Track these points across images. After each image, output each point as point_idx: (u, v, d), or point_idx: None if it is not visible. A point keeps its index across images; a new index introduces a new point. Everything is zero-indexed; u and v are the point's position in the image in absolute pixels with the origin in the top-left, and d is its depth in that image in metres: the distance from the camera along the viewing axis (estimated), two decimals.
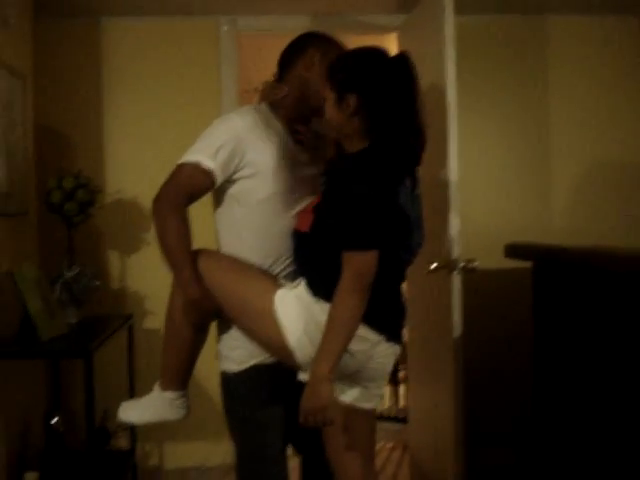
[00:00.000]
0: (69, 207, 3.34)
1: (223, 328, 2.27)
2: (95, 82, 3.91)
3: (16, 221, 3.33)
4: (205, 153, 2.12)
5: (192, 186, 2.13)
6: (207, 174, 2.11)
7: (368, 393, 2.12)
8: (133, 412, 2.34)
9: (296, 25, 3.83)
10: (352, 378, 2.08)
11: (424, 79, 3.18)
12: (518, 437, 3.80)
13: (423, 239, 2.15)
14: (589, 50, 4.19)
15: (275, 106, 2.30)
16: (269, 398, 2.21)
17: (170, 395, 2.29)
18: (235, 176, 2.17)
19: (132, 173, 3.90)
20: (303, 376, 2.04)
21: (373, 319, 1.98)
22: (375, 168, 1.96)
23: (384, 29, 4.07)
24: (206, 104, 3.94)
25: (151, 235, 3.74)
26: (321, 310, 1.96)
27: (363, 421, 2.17)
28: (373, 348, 2.01)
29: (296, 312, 2.00)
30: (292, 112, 2.28)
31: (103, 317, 3.62)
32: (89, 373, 2.84)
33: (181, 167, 2.15)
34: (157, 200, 2.14)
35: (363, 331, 1.96)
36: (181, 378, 2.30)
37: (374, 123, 2.02)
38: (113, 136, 3.93)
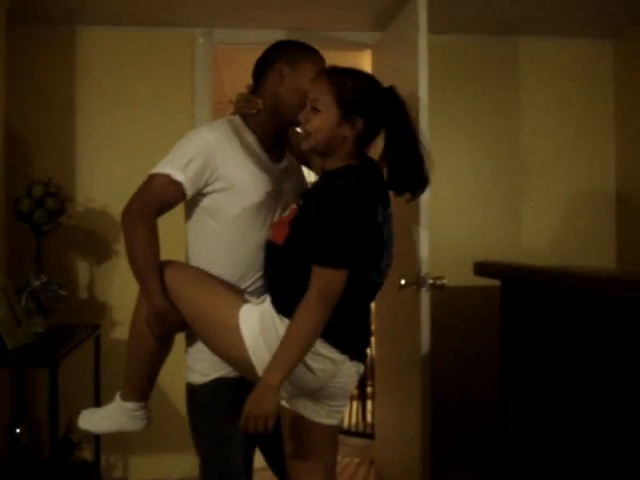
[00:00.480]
0: (38, 215, 3.32)
1: (189, 340, 2.26)
2: (68, 90, 3.90)
3: None
4: (175, 166, 2.11)
5: (162, 198, 2.12)
6: (177, 186, 2.11)
7: (330, 410, 2.13)
8: (92, 421, 2.32)
9: (272, 39, 3.77)
10: (314, 395, 2.08)
11: None
12: (485, 456, 3.81)
13: (391, 259, 2.15)
14: (562, 72, 4.26)
15: (248, 119, 2.30)
16: (232, 412, 2.18)
17: (130, 406, 2.27)
18: (206, 189, 2.16)
19: (103, 182, 3.88)
20: None
21: (338, 339, 1.99)
22: (360, 187, 1.97)
23: (359, 46, 4.10)
24: (180, 115, 3.94)
25: (121, 245, 3.72)
26: (283, 327, 1.95)
27: (324, 436, 2.17)
28: (336, 367, 2.01)
29: (259, 328, 1.99)
30: (265, 125, 2.28)
31: (70, 327, 3.58)
32: (54, 383, 2.81)
33: (152, 178, 2.14)
34: (126, 210, 2.13)
35: (327, 350, 1.97)
36: (143, 389, 2.28)
37: (364, 145, 2.09)
38: (85, 145, 3.91)
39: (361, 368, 2.11)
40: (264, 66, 2.28)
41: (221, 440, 2.23)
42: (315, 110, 2.05)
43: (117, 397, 2.30)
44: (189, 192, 2.13)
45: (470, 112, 4.19)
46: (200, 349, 2.18)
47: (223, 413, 2.20)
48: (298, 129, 2.28)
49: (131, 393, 2.27)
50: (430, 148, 3.07)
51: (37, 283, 3.32)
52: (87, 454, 3.74)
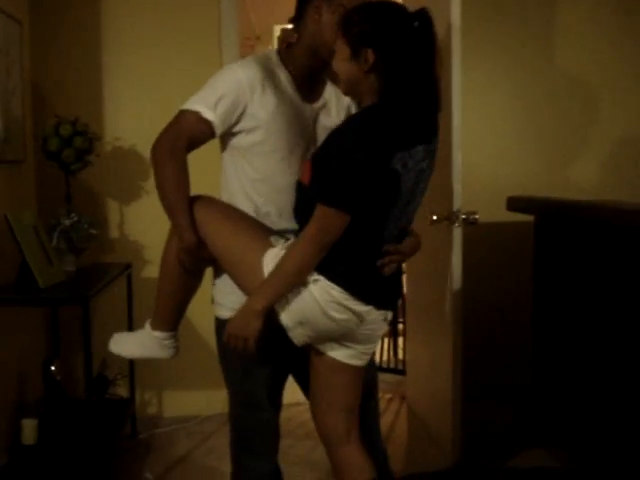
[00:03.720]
0: (67, 154, 3.31)
1: (218, 274, 2.26)
2: (94, 28, 3.83)
3: (13, 168, 3.30)
4: (206, 103, 2.08)
5: (191, 134, 2.10)
6: (207, 124, 2.08)
7: (357, 352, 2.10)
8: (123, 345, 2.36)
9: None
10: (340, 340, 2.05)
11: None
12: (517, 392, 3.82)
13: (406, 220, 2.06)
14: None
15: (285, 56, 2.23)
16: (262, 346, 2.20)
17: (159, 335, 2.29)
18: (236, 128, 2.13)
19: (131, 120, 3.84)
20: (292, 335, 2.00)
21: (360, 290, 1.94)
22: (373, 127, 1.88)
23: None
24: (206, 50, 3.87)
25: (150, 184, 3.67)
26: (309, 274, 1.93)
27: (350, 376, 2.14)
28: (361, 317, 1.97)
29: None
30: (302, 62, 2.20)
31: (101, 266, 3.61)
32: (87, 321, 2.84)
33: (181, 114, 2.12)
34: (156, 146, 2.11)
35: (350, 302, 1.93)
36: (172, 320, 2.29)
37: (389, 81, 1.94)
38: (112, 83, 3.86)
39: (389, 315, 2.08)
40: (303, 2, 2.18)
41: (248, 374, 2.25)
42: (335, 53, 1.99)
43: (147, 325, 2.32)
44: (218, 130, 2.11)
45: (503, 44, 4.09)
46: (228, 284, 2.17)
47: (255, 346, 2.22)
48: None
49: (160, 323, 2.28)
50: (462, 79, 3.06)
51: (68, 222, 3.33)
52: (122, 391, 3.79)
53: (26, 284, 2.97)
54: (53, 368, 3.31)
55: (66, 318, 3.64)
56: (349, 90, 2.03)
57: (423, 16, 1.94)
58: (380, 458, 2.36)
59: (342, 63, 1.97)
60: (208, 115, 2.07)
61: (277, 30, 6.12)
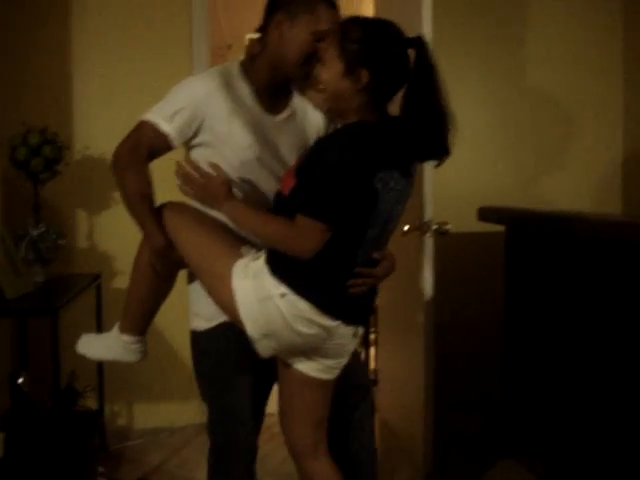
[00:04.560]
0: (35, 164, 3.27)
1: (193, 284, 2.25)
2: (62, 33, 3.79)
3: None
4: (163, 115, 2.10)
5: (149, 145, 2.11)
6: (163, 136, 2.10)
7: (325, 366, 2.08)
8: (90, 347, 2.36)
9: None
10: (308, 354, 2.04)
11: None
12: (488, 402, 3.83)
13: (385, 240, 2.06)
14: (570, 12, 4.21)
15: (249, 67, 2.22)
16: (238, 357, 2.18)
17: (127, 339, 2.28)
18: (195, 141, 2.15)
19: (100, 129, 3.80)
20: (257, 346, 1.98)
21: (328, 305, 1.92)
22: (359, 143, 1.87)
23: None
24: (177, 59, 3.86)
25: (120, 193, 3.68)
26: (276, 290, 1.91)
27: (318, 390, 2.13)
28: (329, 332, 1.95)
29: (251, 286, 1.94)
30: (264, 75, 2.19)
31: (70, 276, 3.58)
32: (55, 331, 2.81)
33: (140, 125, 2.14)
34: (115, 155, 2.14)
35: (318, 317, 1.91)
36: (140, 324, 2.28)
37: (378, 101, 1.96)
38: (81, 91, 3.82)
39: (360, 331, 2.06)
40: (266, 14, 2.18)
41: (228, 387, 2.23)
42: (323, 63, 1.98)
43: (115, 328, 2.31)
44: (175, 142, 2.12)
45: (475, 53, 4.13)
46: (204, 294, 2.16)
47: (230, 359, 2.20)
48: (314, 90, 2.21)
49: (129, 327, 2.27)
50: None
51: (36, 232, 3.30)
52: (91, 403, 3.74)
53: None
54: (21, 380, 3.25)
55: (33, 329, 3.59)
56: (333, 104, 2.02)
57: (419, 43, 1.96)
58: (371, 460, 2.41)
59: (332, 76, 1.96)
60: (165, 127, 2.09)
61: (249, 39, 6.13)
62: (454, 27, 4.03)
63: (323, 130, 2.31)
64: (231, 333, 2.13)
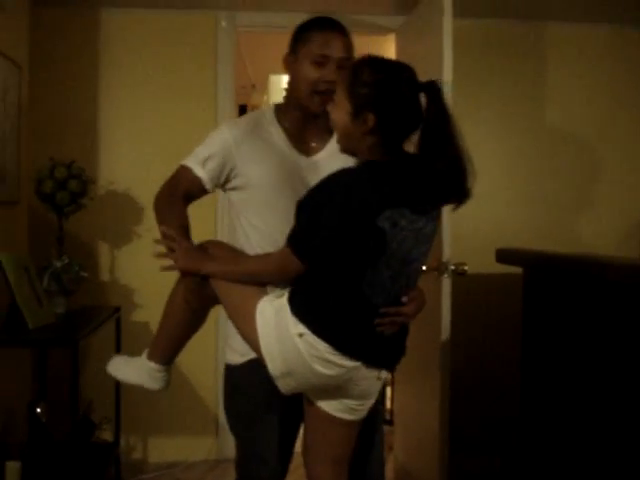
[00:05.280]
0: (61, 197, 3.34)
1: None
2: (91, 73, 3.91)
3: (7, 209, 3.32)
4: (197, 160, 2.19)
5: (185, 188, 2.20)
6: (197, 180, 2.19)
7: (348, 407, 2.06)
8: (120, 369, 2.38)
9: (294, 22, 3.78)
10: (331, 393, 2.03)
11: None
12: (504, 443, 3.80)
13: (407, 281, 2.02)
14: (588, 58, 4.22)
15: (281, 111, 2.27)
16: (267, 394, 2.18)
17: (153, 366, 2.30)
18: (229, 185, 2.21)
19: (125, 165, 3.89)
20: (279, 384, 1.99)
21: (346, 346, 1.90)
22: (359, 182, 1.86)
23: (382, 30, 4.08)
24: (202, 98, 3.94)
25: (142, 228, 3.74)
26: (296, 330, 1.91)
27: (339, 429, 2.11)
28: (350, 373, 1.93)
29: (272, 325, 1.95)
30: (292, 116, 2.23)
31: (91, 308, 3.62)
32: (75, 363, 2.83)
33: (179, 168, 2.23)
34: (156, 197, 2.23)
35: (336, 357, 1.89)
36: (168, 354, 2.31)
37: (385, 144, 1.93)
38: (108, 127, 3.92)
39: (383, 374, 2.02)
40: (285, 54, 2.25)
41: (254, 423, 2.25)
42: (333, 102, 1.98)
43: (144, 354, 2.34)
44: (208, 186, 2.20)
45: (495, 97, 4.17)
46: None
47: (258, 395, 2.21)
48: None
49: (156, 355, 2.30)
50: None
51: (59, 264, 3.35)
52: (107, 435, 3.76)
53: (15, 325, 2.97)
54: (39, 410, 3.29)
55: (53, 360, 3.63)
56: (345, 142, 1.99)
57: (432, 88, 1.92)
58: None
59: (341, 117, 1.95)
60: (198, 172, 2.18)
61: (272, 79, 6.22)
62: (474, 67, 4.08)
63: None
64: (262, 370, 2.15)
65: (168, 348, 2.31)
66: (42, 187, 3.34)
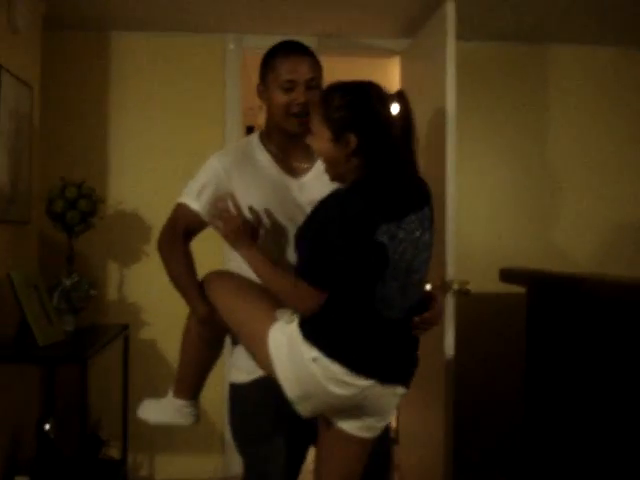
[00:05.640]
0: (71, 216, 3.39)
1: (235, 340, 2.31)
2: (102, 94, 3.98)
3: (17, 228, 3.37)
4: (191, 195, 2.26)
5: (184, 224, 2.27)
6: (194, 214, 2.24)
7: (364, 424, 2.07)
8: (150, 411, 2.41)
9: None
10: (349, 412, 2.04)
11: (425, 103, 3.25)
12: (509, 461, 3.81)
13: (415, 290, 2.06)
14: (591, 81, 4.26)
15: (265, 137, 2.33)
16: (274, 412, 2.21)
17: (180, 402, 2.35)
18: None
19: (135, 185, 3.95)
20: (298, 408, 2.00)
21: (358, 364, 1.93)
22: (353, 202, 1.90)
23: (387, 52, 4.13)
24: (211, 120, 4.00)
25: (150, 247, 3.79)
26: (309, 353, 1.93)
27: (356, 448, 2.12)
28: (365, 391, 1.95)
29: (285, 350, 1.98)
30: (276, 140, 2.30)
31: (100, 326, 3.67)
32: (84, 380, 2.88)
33: (176, 207, 2.30)
34: (158, 240, 2.31)
35: (350, 378, 1.92)
36: (192, 389, 2.36)
37: (370, 160, 1.97)
38: (117, 148, 3.99)
39: (399, 390, 2.04)
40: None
41: (262, 441, 2.26)
42: (311, 133, 2.04)
43: (170, 392, 2.37)
44: (206, 218, 2.24)
45: (498, 119, 4.20)
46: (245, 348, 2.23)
47: (266, 413, 2.23)
48: None
49: (181, 391, 2.35)
50: (458, 154, 3.16)
51: (68, 282, 3.39)
52: (114, 452, 3.79)
53: (25, 342, 3.01)
54: (47, 427, 3.32)
55: (61, 377, 3.67)
56: (331, 170, 2.04)
57: (401, 98, 2.01)
58: None
59: (322, 144, 2.00)
60: (195, 206, 2.24)
61: None
62: (478, 89, 4.12)
63: None
64: (269, 388, 2.16)
65: (192, 383, 2.36)
66: (53, 207, 3.39)
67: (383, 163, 1.98)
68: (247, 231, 2.08)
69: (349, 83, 2.01)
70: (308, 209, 2.15)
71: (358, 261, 1.90)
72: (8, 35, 3.20)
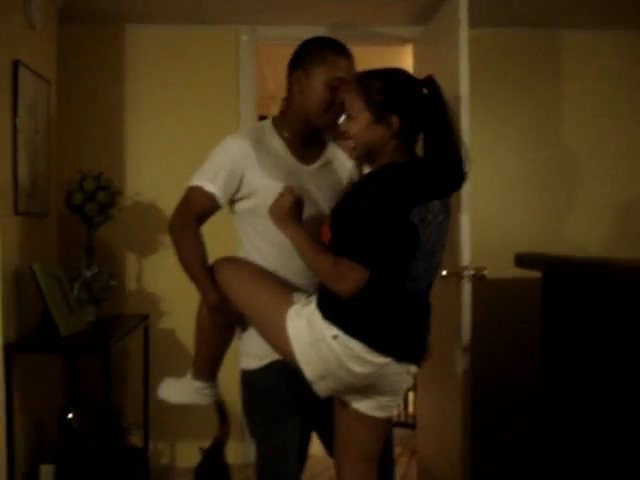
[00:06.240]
0: (90, 208, 3.43)
1: (245, 328, 2.35)
2: (117, 87, 4.02)
3: (37, 220, 3.42)
4: (206, 177, 2.26)
5: (198, 208, 2.29)
6: (210, 197, 2.26)
7: (379, 403, 2.15)
8: (170, 392, 2.48)
9: (313, 35, 3.88)
10: (363, 392, 2.11)
11: None
12: (525, 445, 3.84)
13: (435, 267, 2.14)
14: (602, 65, 4.25)
15: (280, 123, 2.37)
16: (287, 396, 2.27)
17: (198, 384, 2.43)
18: (237, 196, 2.29)
19: (152, 176, 3.99)
20: (316, 388, 2.07)
21: (379, 343, 2.00)
22: (392, 183, 1.97)
23: (400, 40, 4.14)
24: (225, 110, 4.04)
25: (168, 238, 3.79)
26: (329, 332, 1.99)
27: (372, 427, 2.20)
28: (381, 369, 2.02)
29: (305, 331, 2.04)
30: (294, 129, 2.34)
31: (120, 316, 3.73)
32: (107, 369, 2.91)
33: (188, 191, 2.31)
34: (170, 225, 2.33)
35: (369, 355, 1.98)
36: (209, 371, 2.44)
37: (410, 142, 2.10)
38: (133, 139, 4.03)
39: (412, 368, 2.11)
40: (288, 71, 2.35)
41: (276, 424, 2.31)
42: (350, 117, 2.11)
43: (188, 374, 2.45)
44: (222, 200, 2.27)
45: (512, 105, 4.21)
46: (256, 333, 2.27)
47: (278, 397, 2.28)
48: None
49: (199, 373, 2.43)
50: (471, 140, 3.17)
51: (89, 273, 3.44)
52: (136, 440, 3.84)
53: (48, 332, 3.07)
54: (70, 416, 3.37)
55: (83, 366, 3.72)
56: (365, 152, 2.12)
57: (431, 82, 2.09)
58: None
59: (363, 128, 2.08)
60: (210, 188, 2.25)
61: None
62: (490, 76, 4.12)
63: (354, 175, 2.46)
64: (280, 372, 2.23)
65: (208, 366, 2.43)
66: (72, 199, 3.43)
67: (413, 149, 2.08)
68: (295, 211, 2.11)
69: (384, 69, 2.11)
70: (316, 194, 2.29)
71: (396, 239, 1.97)
72: (26, 31, 3.24)
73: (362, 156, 2.16)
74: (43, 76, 3.45)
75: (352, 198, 2.04)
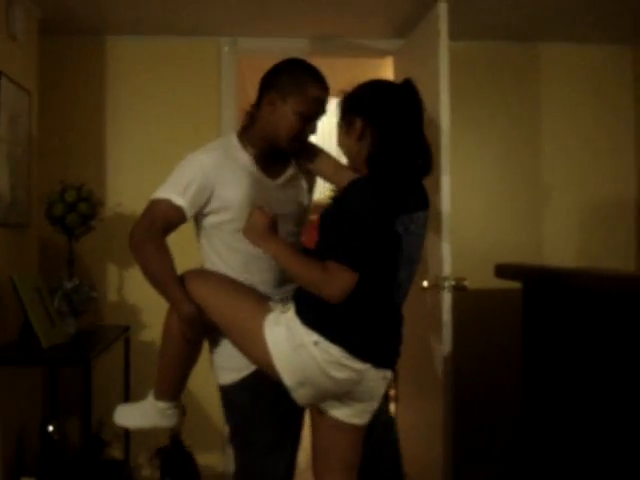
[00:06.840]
0: (71, 219, 3.42)
1: (218, 340, 2.32)
2: (98, 98, 4.01)
3: (18, 231, 3.40)
4: (175, 190, 2.24)
5: (164, 220, 2.24)
6: (178, 209, 2.23)
7: (356, 410, 2.16)
8: (128, 417, 2.40)
9: (295, 47, 3.94)
10: (341, 399, 2.12)
11: None
12: (506, 453, 3.86)
13: (412, 276, 2.18)
14: (582, 78, 4.29)
15: (244, 138, 2.37)
16: (265, 410, 2.26)
17: (162, 405, 2.35)
18: (206, 210, 2.28)
19: (133, 187, 3.98)
20: (295, 395, 2.08)
21: (359, 349, 2.02)
22: (378, 191, 2.00)
23: (380, 53, 4.17)
24: (206, 121, 4.03)
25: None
26: (309, 337, 2.00)
27: (350, 435, 2.21)
28: (360, 375, 2.04)
29: (285, 338, 2.04)
30: (259, 145, 2.34)
31: (101, 328, 3.70)
32: (87, 381, 2.90)
33: (153, 203, 2.27)
34: (132, 233, 2.25)
35: (349, 361, 2.00)
36: (173, 390, 2.36)
37: (378, 146, 2.09)
38: (114, 152, 4.02)
39: (388, 374, 2.13)
40: (261, 89, 2.33)
41: (252, 440, 2.30)
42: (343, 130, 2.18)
43: (150, 395, 2.37)
44: (189, 214, 2.25)
45: (491, 117, 4.24)
46: (229, 347, 2.25)
47: (255, 412, 2.27)
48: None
49: (163, 393, 2.35)
50: (451, 152, 3.20)
51: (69, 285, 3.42)
52: (116, 453, 3.82)
53: (28, 344, 3.05)
54: (51, 428, 3.35)
55: (64, 378, 3.70)
56: (350, 161, 2.20)
57: (407, 85, 2.14)
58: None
59: (340, 137, 2.17)
60: (179, 201, 2.22)
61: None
62: (471, 88, 4.16)
63: (308, 192, 2.50)
64: (258, 385, 2.23)
65: (173, 384, 2.36)
66: (53, 210, 3.42)
67: (389, 148, 2.09)
68: (273, 227, 2.11)
69: (367, 81, 2.18)
70: (282, 207, 2.31)
71: (383, 244, 2.00)
72: (6, 42, 3.24)
73: (353, 166, 2.20)
74: (24, 87, 3.44)
75: (337, 205, 2.07)
